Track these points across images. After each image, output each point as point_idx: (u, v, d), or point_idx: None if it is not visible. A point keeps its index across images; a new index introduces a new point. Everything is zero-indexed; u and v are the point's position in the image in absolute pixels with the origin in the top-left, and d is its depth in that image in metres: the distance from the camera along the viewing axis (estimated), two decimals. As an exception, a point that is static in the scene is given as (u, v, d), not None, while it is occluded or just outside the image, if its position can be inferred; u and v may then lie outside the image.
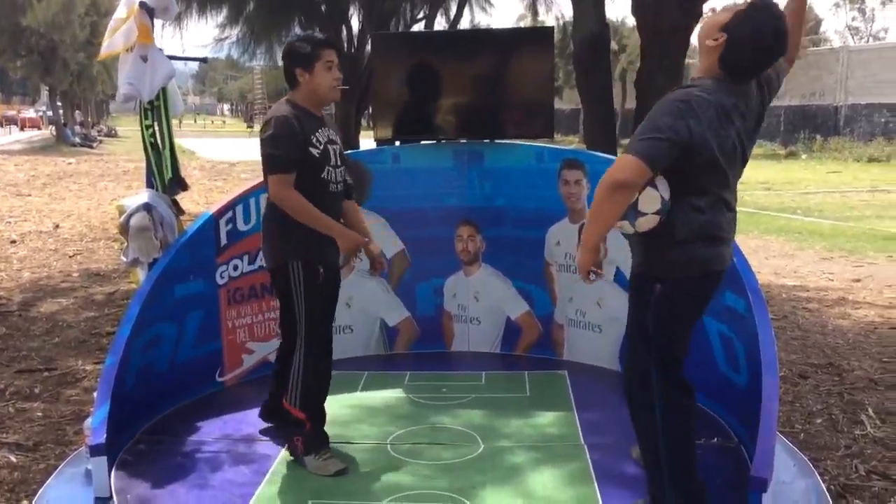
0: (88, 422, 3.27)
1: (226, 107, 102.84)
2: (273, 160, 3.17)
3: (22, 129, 46.95)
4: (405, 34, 10.87)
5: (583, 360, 4.63)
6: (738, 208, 2.76)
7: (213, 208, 4.21)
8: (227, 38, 13.29)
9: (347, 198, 3.46)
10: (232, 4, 12.58)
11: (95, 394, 3.39)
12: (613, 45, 26.41)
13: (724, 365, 3.71)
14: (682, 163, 2.51)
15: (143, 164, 4.13)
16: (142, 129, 3.93)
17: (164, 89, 3.91)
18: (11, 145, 31.94)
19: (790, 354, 5.11)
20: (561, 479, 3.20)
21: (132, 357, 3.52)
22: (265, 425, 3.70)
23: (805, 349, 5.26)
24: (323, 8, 12.89)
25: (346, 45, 13.11)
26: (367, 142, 8.42)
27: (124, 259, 3.98)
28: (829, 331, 5.71)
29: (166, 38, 17.51)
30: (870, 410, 4.15)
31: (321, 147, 3.24)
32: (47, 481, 3.27)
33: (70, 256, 8.70)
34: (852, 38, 50.34)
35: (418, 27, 14.05)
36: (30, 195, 14.61)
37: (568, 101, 34.80)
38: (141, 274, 3.94)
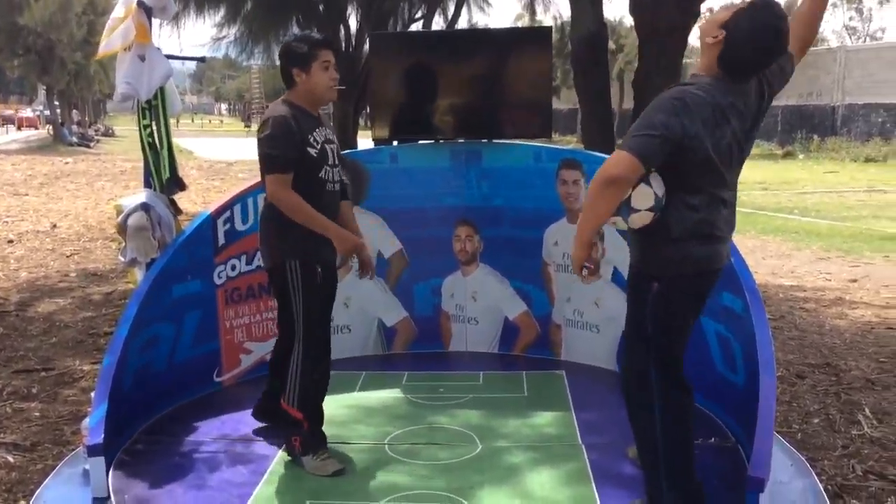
0: (86, 422, 3.26)
1: (223, 106, 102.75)
2: (270, 160, 3.17)
3: (19, 128, 46.92)
4: (403, 34, 10.88)
5: (580, 360, 4.63)
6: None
7: (211, 208, 4.20)
8: (224, 37, 13.31)
9: (343, 198, 3.46)
10: (230, 4, 12.58)
11: (93, 394, 3.38)
12: (611, 45, 26.38)
13: (721, 365, 3.71)
14: (676, 160, 2.51)
15: (141, 164, 4.14)
16: (139, 129, 3.93)
17: (161, 89, 3.91)
18: (8, 145, 31.86)
19: (787, 354, 5.12)
20: (558, 479, 3.20)
21: (130, 357, 3.52)
22: (260, 425, 3.71)
23: (802, 349, 5.27)
24: (321, 7, 12.89)
25: (343, 44, 13.11)
26: (364, 141, 8.41)
27: (122, 259, 3.97)
28: (826, 331, 5.72)
29: (164, 37, 17.56)
30: (867, 410, 4.15)
31: (318, 146, 3.24)
32: (45, 481, 3.26)
33: (67, 256, 8.68)
34: (849, 37, 50.42)
35: (416, 27, 14.08)
36: (27, 195, 14.59)
37: (566, 100, 34.89)
38: (139, 274, 3.94)
